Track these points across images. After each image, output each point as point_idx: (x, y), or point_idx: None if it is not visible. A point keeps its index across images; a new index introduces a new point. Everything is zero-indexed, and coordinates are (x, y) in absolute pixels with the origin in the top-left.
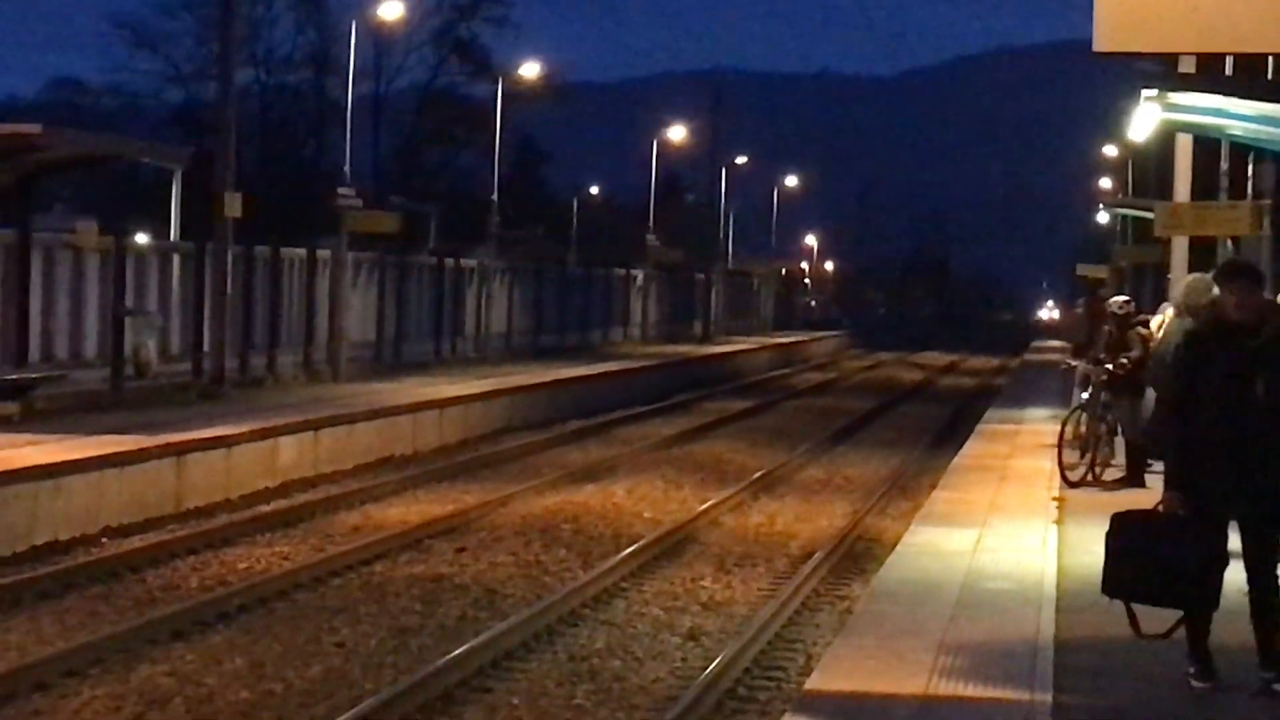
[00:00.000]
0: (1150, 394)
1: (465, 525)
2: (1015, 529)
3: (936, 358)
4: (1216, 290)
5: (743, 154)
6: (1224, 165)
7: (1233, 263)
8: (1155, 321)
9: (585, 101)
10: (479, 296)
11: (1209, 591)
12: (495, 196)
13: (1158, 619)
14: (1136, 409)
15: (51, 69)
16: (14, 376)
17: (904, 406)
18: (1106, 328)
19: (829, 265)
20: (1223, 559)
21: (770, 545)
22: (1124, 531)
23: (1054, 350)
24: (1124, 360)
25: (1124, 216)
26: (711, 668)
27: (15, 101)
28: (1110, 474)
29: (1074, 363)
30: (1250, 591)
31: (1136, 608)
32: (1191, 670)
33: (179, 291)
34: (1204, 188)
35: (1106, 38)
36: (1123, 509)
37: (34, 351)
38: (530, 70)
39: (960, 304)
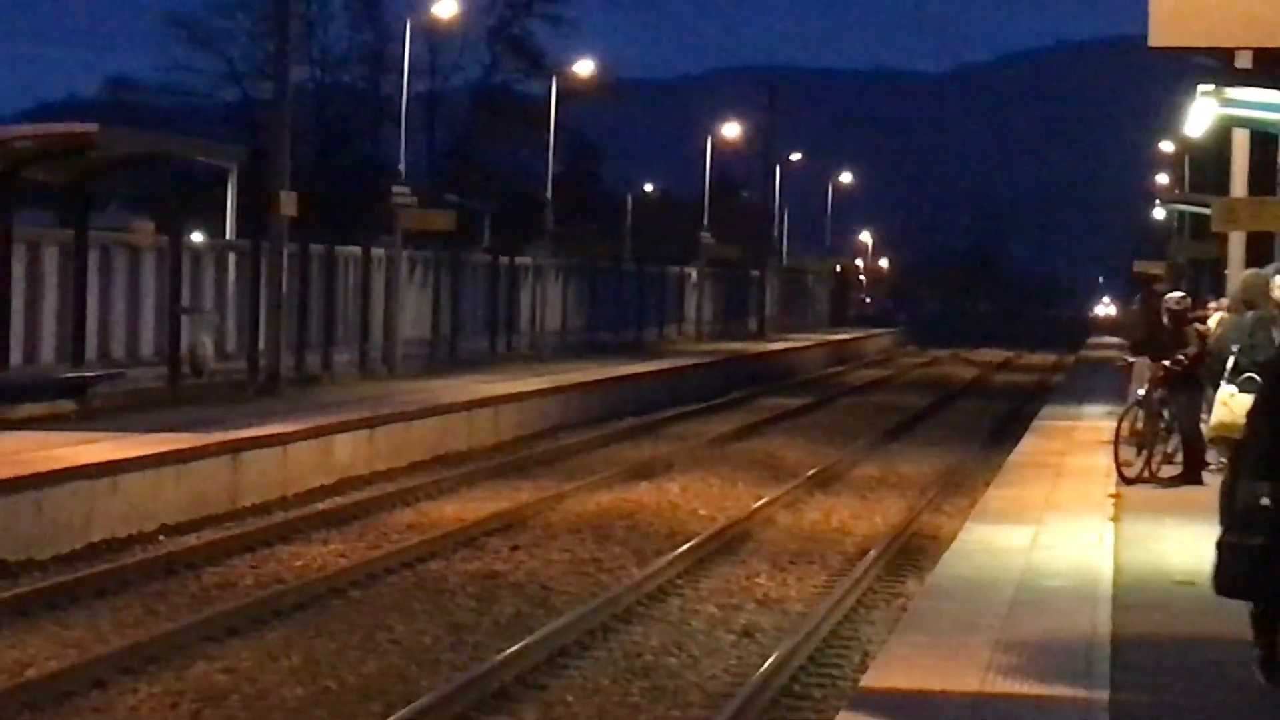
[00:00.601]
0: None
1: (520, 522)
2: (1071, 526)
3: (992, 354)
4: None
5: (797, 150)
6: None
7: None
8: (1214, 319)
9: (640, 98)
10: (533, 294)
11: None
12: (549, 194)
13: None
14: (1194, 405)
15: (108, 68)
16: (71, 375)
17: (959, 403)
18: (1164, 323)
19: (884, 262)
20: None
21: (825, 542)
22: (1244, 528)
23: (1110, 346)
24: (1181, 356)
25: (1180, 212)
26: (766, 665)
27: (72, 101)
28: (1167, 471)
29: (1131, 359)
30: None
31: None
32: (1260, 669)
33: (235, 289)
34: (1261, 183)
35: (1162, 32)
36: (1180, 505)
37: (91, 350)
38: (584, 67)
39: (1016, 300)
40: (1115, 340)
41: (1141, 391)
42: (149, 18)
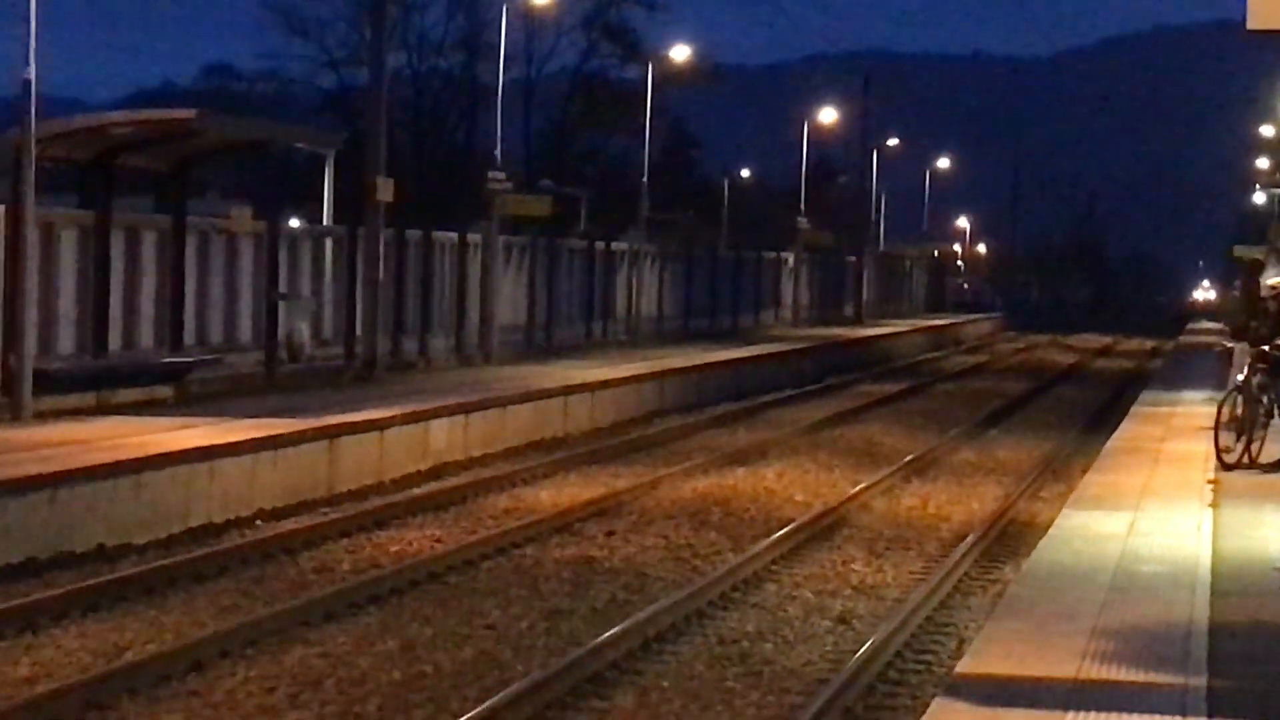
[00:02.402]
0: None
1: (615, 508)
2: (1169, 512)
3: (1091, 340)
4: None
5: (894, 136)
6: None
7: None
8: None
9: (736, 84)
10: (629, 280)
11: None
12: (645, 180)
13: None
14: None
15: (206, 55)
16: (169, 360)
17: (1057, 389)
18: (1265, 309)
19: (981, 247)
20: None
21: (922, 528)
22: None
23: (1209, 332)
24: None
25: None
26: (862, 651)
27: (170, 88)
28: (1267, 456)
29: (1230, 344)
30: None
31: None
32: None
33: (331, 275)
34: None
35: (1260, 15)
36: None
37: (189, 335)
38: (680, 54)
39: (1115, 286)
40: (1214, 325)
41: (1241, 376)
42: (246, 4)
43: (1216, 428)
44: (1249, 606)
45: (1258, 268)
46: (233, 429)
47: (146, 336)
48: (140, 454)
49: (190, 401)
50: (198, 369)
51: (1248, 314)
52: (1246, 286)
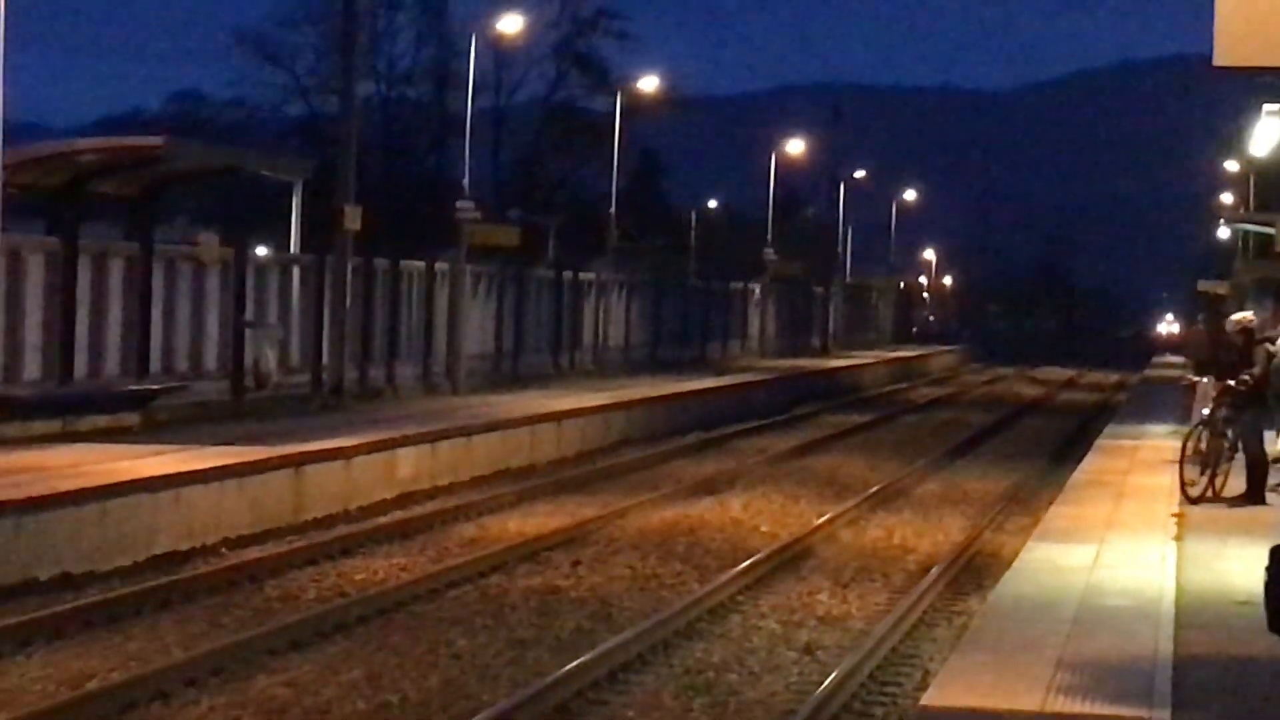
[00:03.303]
0: None
1: (582, 538)
2: (1134, 545)
3: (1056, 373)
4: None
5: (862, 168)
6: None
7: None
8: None
9: (705, 115)
10: (597, 309)
11: None
12: (614, 210)
13: None
14: (1258, 425)
15: (174, 82)
16: (135, 387)
17: (1023, 421)
18: (1228, 343)
19: (948, 279)
20: None
21: (887, 560)
22: None
23: (1173, 365)
24: (1246, 376)
25: (1245, 231)
26: (827, 682)
27: (138, 114)
28: (1231, 490)
29: (1196, 378)
30: None
31: None
32: None
33: (299, 303)
34: None
35: (1227, 51)
36: (1243, 525)
37: (155, 362)
38: (649, 84)
39: (1080, 318)
40: (1178, 359)
41: (1206, 411)
42: (216, 32)
43: (1181, 461)
44: (1213, 640)
45: (1221, 301)
46: (199, 456)
47: (113, 363)
48: (106, 481)
49: (156, 429)
50: (164, 396)
51: (1212, 348)
52: (1210, 321)
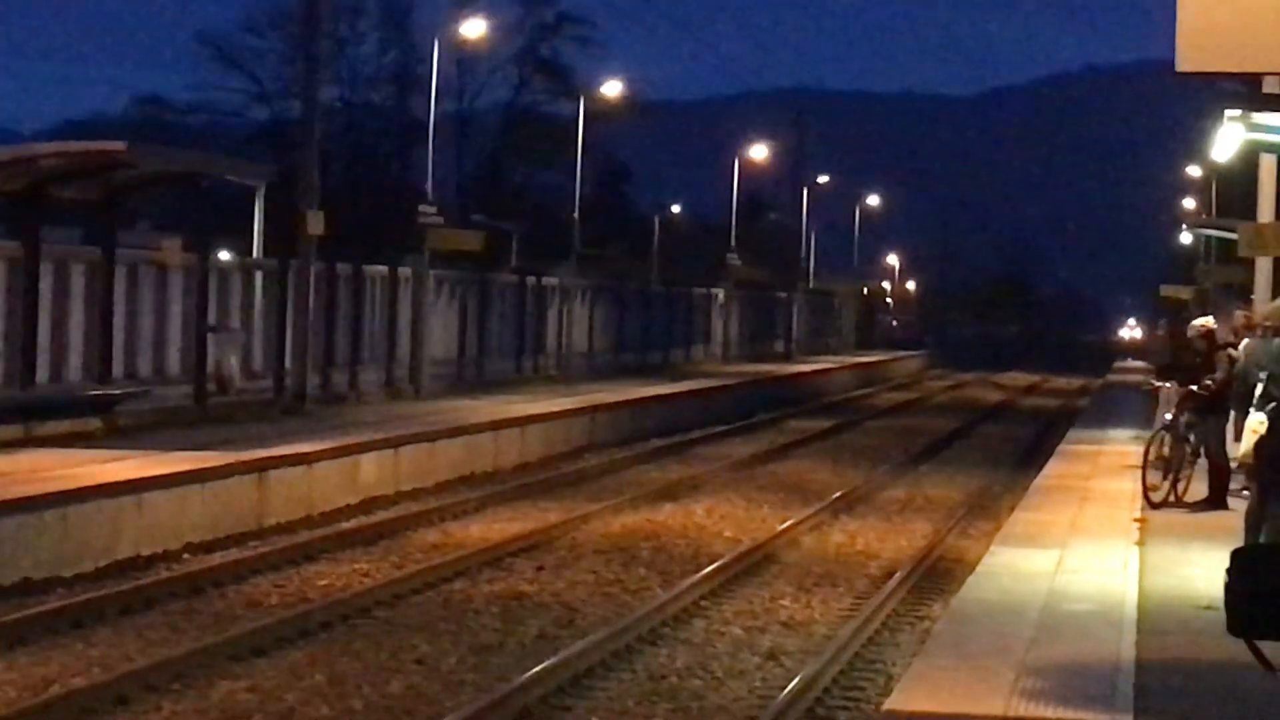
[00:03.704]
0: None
1: (545, 543)
2: (1097, 550)
3: (1019, 378)
4: None
5: (825, 173)
6: None
7: None
8: (1242, 344)
9: (668, 120)
10: (561, 314)
11: None
12: (577, 214)
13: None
14: (1221, 430)
15: (136, 87)
16: (98, 392)
17: (986, 427)
18: (1191, 348)
19: (911, 285)
20: None
21: (851, 565)
22: (1246, 567)
23: (1135, 370)
24: (1209, 381)
25: (1207, 237)
26: (791, 687)
27: (100, 119)
28: (1193, 495)
29: (1158, 384)
30: None
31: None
32: None
33: (262, 308)
34: None
35: (1189, 58)
36: (1206, 529)
37: (118, 368)
38: (612, 89)
39: (1043, 324)
40: (1140, 364)
41: (1169, 416)
42: (179, 37)
43: (1144, 466)
44: (1175, 644)
45: (1183, 307)
46: (161, 462)
47: (75, 368)
48: (67, 486)
49: (118, 434)
50: (126, 401)
51: (1174, 354)
52: (1173, 326)
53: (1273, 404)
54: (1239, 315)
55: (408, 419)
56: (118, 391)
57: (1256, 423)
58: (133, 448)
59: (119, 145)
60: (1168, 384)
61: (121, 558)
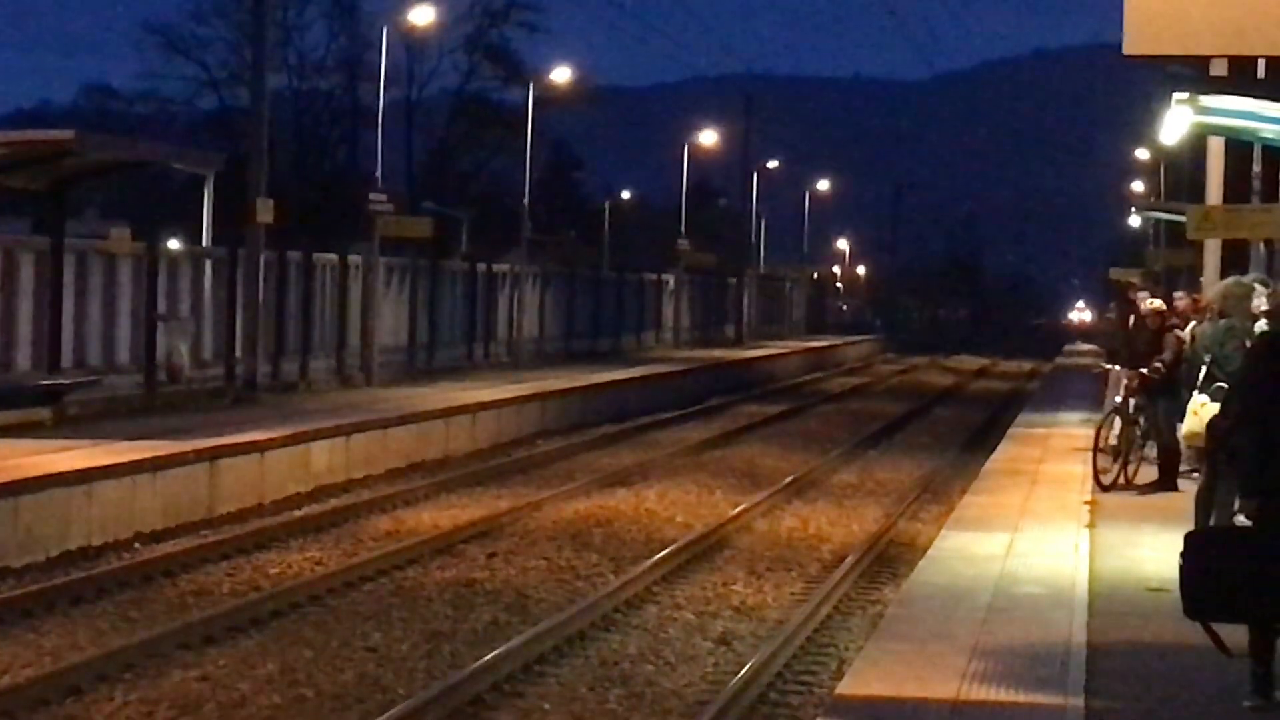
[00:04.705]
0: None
1: (497, 530)
2: (1047, 533)
3: (969, 362)
4: (1261, 294)
5: (775, 158)
6: (1256, 168)
7: None
8: (1189, 326)
9: (617, 106)
10: (511, 301)
11: None
12: (527, 201)
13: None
14: (1171, 412)
15: (84, 75)
16: (47, 382)
17: (936, 411)
18: (1140, 330)
19: (861, 269)
20: None
21: (802, 549)
22: (1200, 551)
23: (1085, 353)
24: (1158, 364)
25: (1156, 220)
26: (743, 672)
27: (48, 108)
28: (1143, 477)
29: (1108, 366)
30: None
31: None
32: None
33: (211, 297)
34: (1236, 191)
35: (1137, 41)
36: (1156, 512)
37: (67, 357)
38: (561, 75)
39: (993, 307)
40: (1090, 347)
41: (1119, 398)
42: (126, 25)
43: (1094, 449)
44: (1126, 626)
45: (1132, 289)
46: (111, 451)
47: (24, 358)
48: (17, 476)
49: (68, 423)
50: (76, 391)
51: (1124, 336)
52: (1122, 309)
53: (1216, 385)
54: (1184, 299)
55: (359, 407)
56: (67, 381)
57: (1198, 404)
58: (83, 437)
59: (67, 134)
60: (1117, 366)
61: (72, 547)
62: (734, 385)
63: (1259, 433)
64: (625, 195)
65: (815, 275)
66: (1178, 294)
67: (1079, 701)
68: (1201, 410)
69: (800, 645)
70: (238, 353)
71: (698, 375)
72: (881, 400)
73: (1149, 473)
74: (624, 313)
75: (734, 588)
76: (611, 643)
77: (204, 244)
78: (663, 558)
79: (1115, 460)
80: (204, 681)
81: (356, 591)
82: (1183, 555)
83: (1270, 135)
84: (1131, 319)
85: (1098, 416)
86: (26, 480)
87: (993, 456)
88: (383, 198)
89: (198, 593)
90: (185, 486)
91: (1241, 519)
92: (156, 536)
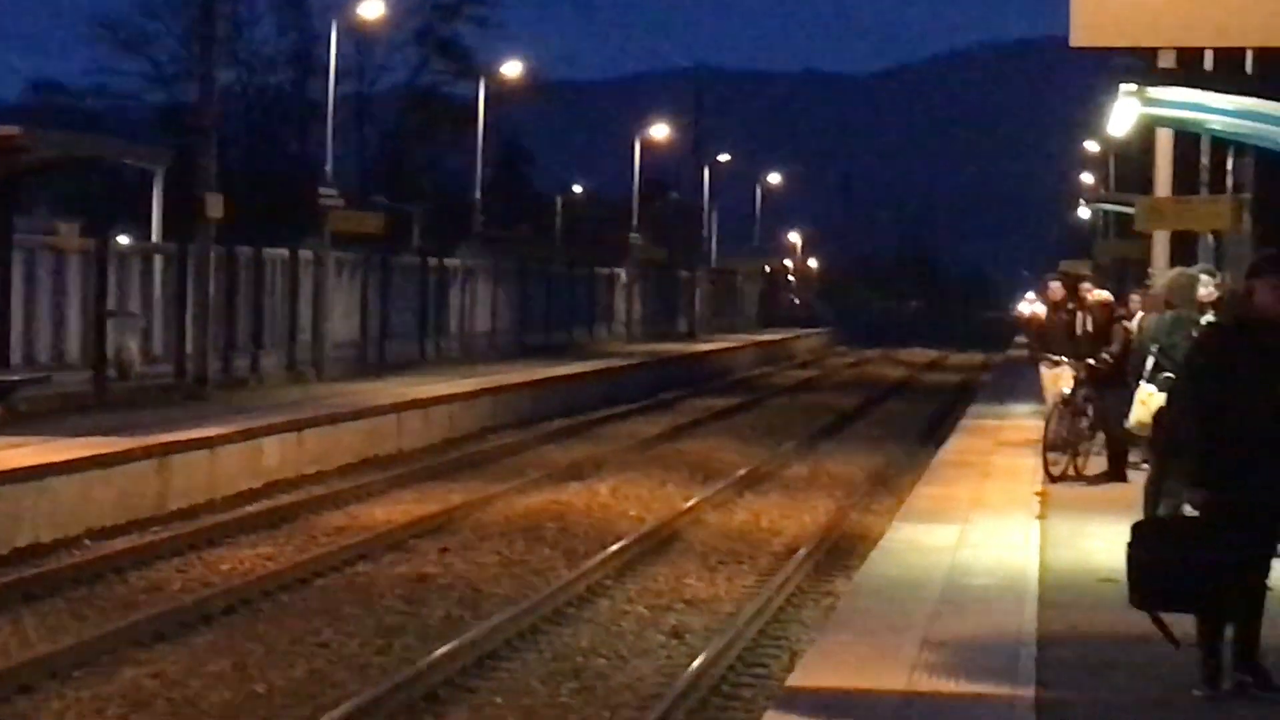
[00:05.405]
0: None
1: (450, 525)
2: (998, 524)
3: (921, 354)
4: (1207, 284)
5: (726, 152)
6: (1204, 160)
7: (1277, 257)
8: (1137, 318)
9: (569, 101)
10: (463, 296)
11: (1251, 593)
12: (479, 195)
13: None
14: (1119, 403)
15: (32, 71)
16: None
17: (888, 403)
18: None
19: (813, 262)
20: (1265, 559)
21: (755, 542)
22: (1148, 541)
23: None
24: (1106, 355)
25: (1105, 212)
26: (695, 665)
27: None
28: (1092, 468)
29: (1056, 358)
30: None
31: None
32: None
33: (161, 293)
34: (1185, 182)
35: (1083, 32)
36: (1105, 503)
37: (15, 354)
38: (513, 69)
39: (945, 300)
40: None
41: (1067, 390)
42: (75, 20)
43: (1044, 441)
44: (1076, 617)
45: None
46: (61, 448)
47: None
48: None
49: (18, 420)
50: (25, 387)
51: (1068, 329)
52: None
53: (1164, 375)
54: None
55: (310, 402)
56: (16, 378)
57: (1145, 394)
58: (32, 434)
59: (15, 130)
60: (1061, 358)
61: (22, 544)
62: (686, 379)
63: (1204, 422)
64: (577, 189)
65: (767, 268)
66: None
67: (1029, 692)
68: (1149, 400)
69: (752, 637)
70: (188, 349)
71: (650, 369)
72: (834, 393)
73: (1099, 464)
74: (576, 307)
75: (687, 581)
76: (564, 637)
77: (154, 240)
78: (615, 551)
79: (1065, 452)
80: (155, 679)
81: (308, 587)
82: (1129, 545)
83: (1218, 127)
84: (1055, 312)
85: (1047, 408)
86: None
87: (944, 448)
88: (334, 192)
89: (149, 589)
90: (136, 483)
91: (1189, 509)
92: (107, 533)
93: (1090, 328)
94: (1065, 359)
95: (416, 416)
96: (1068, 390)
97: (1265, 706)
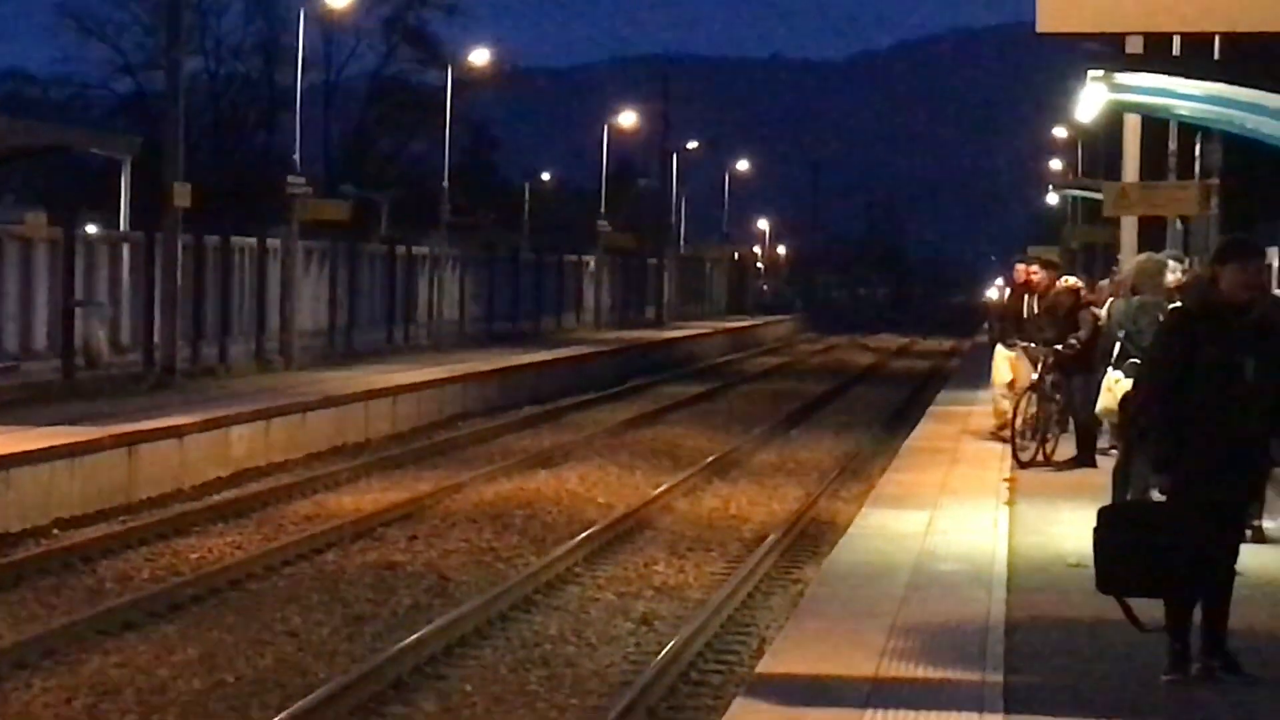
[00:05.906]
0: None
1: (418, 513)
2: (966, 510)
3: (889, 341)
4: (1175, 269)
5: (694, 139)
6: (1172, 145)
7: (1244, 241)
8: (1106, 304)
9: (536, 88)
10: (431, 284)
11: (1218, 578)
12: (446, 184)
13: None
14: (1087, 389)
15: None
16: None
17: (856, 389)
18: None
19: (781, 249)
20: (1231, 544)
21: (723, 529)
22: (1115, 526)
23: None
24: (1073, 341)
25: (1074, 197)
26: (664, 652)
27: None
28: (1061, 454)
29: (1023, 344)
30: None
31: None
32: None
33: (129, 282)
34: (1153, 168)
35: (1050, 18)
36: (1074, 488)
37: None
38: (480, 57)
39: (913, 286)
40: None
41: (1034, 375)
42: (40, 9)
43: (1013, 427)
44: (1044, 602)
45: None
46: (29, 437)
47: None
48: None
49: None
50: None
51: (1028, 315)
52: (1016, 287)
53: (1131, 361)
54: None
55: (278, 391)
56: None
57: (1112, 380)
58: (0, 423)
59: None
60: (1027, 344)
61: None
62: (655, 366)
63: (1169, 407)
64: (545, 177)
65: (736, 255)
66: (1032, 267)
67: (998, 677)
68: (1116, 386)
69: (721, 624)
70: (156, 338)
71: (618, 356)
72: (802, 380)
73: (1067, 449)
74: (544, 294)
75: (655, 568)
76: (533, 624)
77: (122, 229)
78: (584, 539)
79: (1033, 438)
80: (123, 668)
81: (277, 576)
82: (1097, 530)
83: (1185, 112)
84: (1015, 295)
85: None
86: None
87: (913, 435)
88: (301, 181)
89: (117, 578)
90: (104, 472)
91: (1155, 494)
92: (75, 522)
93: (1036, 309)
94: (1022, 343)
95: (384, 404)
96: (1031, 376)
97: (1232, 691)
